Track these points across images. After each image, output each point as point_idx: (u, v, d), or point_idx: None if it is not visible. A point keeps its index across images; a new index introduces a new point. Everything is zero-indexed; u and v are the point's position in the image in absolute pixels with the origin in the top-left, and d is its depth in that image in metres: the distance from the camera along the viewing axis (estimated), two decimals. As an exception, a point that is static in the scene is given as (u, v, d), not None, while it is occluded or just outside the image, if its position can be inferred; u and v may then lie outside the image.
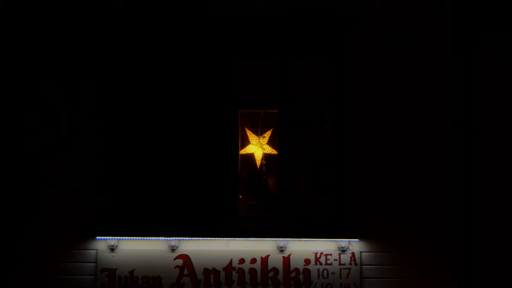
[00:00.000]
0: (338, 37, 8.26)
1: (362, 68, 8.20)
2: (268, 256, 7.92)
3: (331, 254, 7.93)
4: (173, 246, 7.87)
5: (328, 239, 7.94)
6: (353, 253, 7.93)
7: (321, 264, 7.92)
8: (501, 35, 8.15)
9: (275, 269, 7.91)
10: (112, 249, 7.87)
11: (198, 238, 7.91)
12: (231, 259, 7.91)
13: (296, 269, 7.92)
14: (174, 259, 7.89)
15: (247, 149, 8.42)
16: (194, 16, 8.23)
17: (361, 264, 7.94)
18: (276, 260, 7.92)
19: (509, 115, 8.12)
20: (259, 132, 8.48)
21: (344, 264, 7.92)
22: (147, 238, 7.89)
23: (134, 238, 7.89)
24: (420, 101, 8.15)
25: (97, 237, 7.88)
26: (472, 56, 8.13)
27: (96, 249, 7.91)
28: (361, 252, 7.96)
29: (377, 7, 8.25)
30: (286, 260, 7.93)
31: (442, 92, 8.17)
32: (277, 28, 8.24)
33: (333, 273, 7.90)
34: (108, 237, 7.87)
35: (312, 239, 7.93)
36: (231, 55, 8.24)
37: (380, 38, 8.22)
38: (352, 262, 7.92)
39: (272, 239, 7.92)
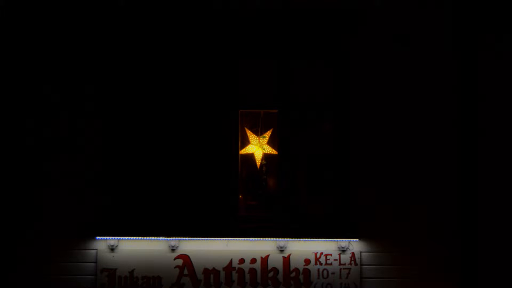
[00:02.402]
0: (338, 37, 8.25)
1: (362, 68, 8.20)
2: (268, 256, 7.92)
3: (331, 254, 7.93)
4: (173, 246, 7.87)
5: (328, 239, 7.94)
6: (353, 253, 7.93)
7: (321, 264, 7.92)
8: (501, 35, 8.15)
9: (275, 269, 7.91)
10: (112, 249, 7.87)
11: (198, 238, 7.91)
12: (231, 259, 7.91)
13: (296, 269, 7.92)
14: (174, 259, 7.89)
15: (247, 149, 8.41)
16: (194, 16, 8.23)
17: (361, 264, 7.94)
18: (276, 260, 7.92)
19: (509, 115, 8.12)
20: (259, 132, 8.48)
21: (344, 264, 7.92)
22: (147, 238, 7.88)
23: (134, 238, 7.89)
24: (420, 101, 8.15)
25: (97, 237, 7.88)
26: (472, 56, 8.13)
27: (96, 249, 7.91)
28: (361, 252, 7.96)
29: (377, 7, 8.24)
30: (286, 260, 7.92)
31: (442, 92, 8.16)
32: (277, 28, 8.24)
33: (333, 273, 7.90)
34: (108, 237, 7.87)
35: (312, 239, 7.93)
36: (231, 55, 8.24)
37: (380, 38, 8.22)
38: (352, 262, 7.92)
39: (272, 239, 7.92)
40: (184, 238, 7.90)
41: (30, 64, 8.13)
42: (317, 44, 8.26)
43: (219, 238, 7.92)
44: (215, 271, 7.89)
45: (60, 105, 8.10)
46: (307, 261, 7.92)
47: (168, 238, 7.87)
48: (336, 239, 7.93)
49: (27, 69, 8.13)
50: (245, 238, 7.93)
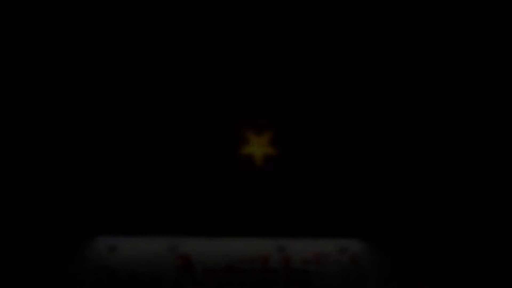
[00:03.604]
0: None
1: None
2: (268, 256, 7.93)
3: (331, 254, 7.93)
4: (173, 246, 7.87)
5: (328, 239, 7.94)
6: (353, 253, 7.93)
7: (321, 264, 7.93)
8: None
9: (275, 269, 7.91)
10: (112, 249, 7.87)
11: (198, 238, 7.91)
12: (231, 259, 7.91)
13: (296, 269, 7.92)
14: (174, 259, 7.89)
15: (247, 149, 8.42)
16: (193, 16, 8.24)
17: (361, 264, 7.95)
18: (276, 260, 7.93)
19: None
20: (259, 132, 8.48)
21: (344, 264, 7.92)
22: (147, 238, 7.88)
23: (134, 238, 7.88)
24: (418, 101, 8.18)
25: (97, 237, 7.87)
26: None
27: (96, 249, 7.90)
28: (361, 252, 7.96)
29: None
30: (286, 260, 7.93)
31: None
32: (278, 29, 8.27)
33: (333, 273, 7.91)
34: (108, 237, 7.86)
35: (312, 239, 7.93)
36: (232, 54, 8.25)
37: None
38: (352, 262, 7.92)
39: (272, 239, 7.93)
40: (184, 238, 7.90)
41: (30, 64, 8.13)
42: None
43: (219, 238, 7.93)
44: (215, 271, 7.90)
45: (60, 104, 8.10)
46: (307, 261, 7.93)
47: (168, 238, 7.87)
48: (336, 239, 7.94)
49: (26, 69, 8.12)
50: (245, 238, 7.94)
